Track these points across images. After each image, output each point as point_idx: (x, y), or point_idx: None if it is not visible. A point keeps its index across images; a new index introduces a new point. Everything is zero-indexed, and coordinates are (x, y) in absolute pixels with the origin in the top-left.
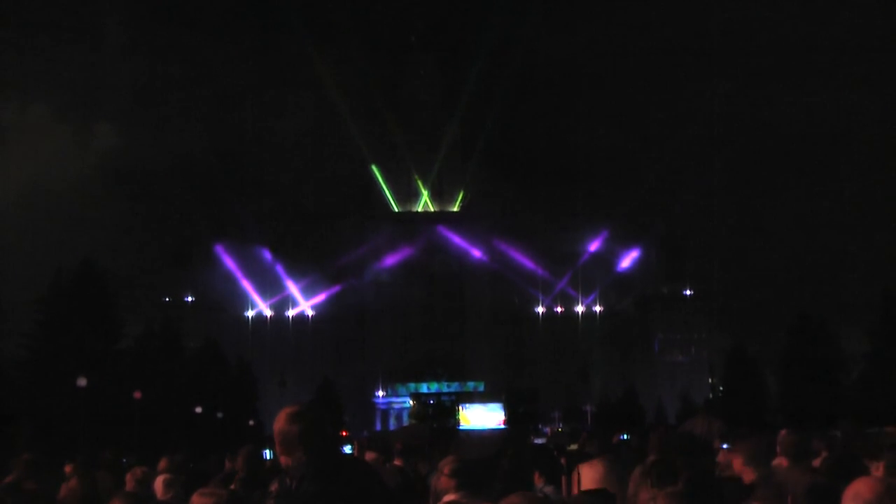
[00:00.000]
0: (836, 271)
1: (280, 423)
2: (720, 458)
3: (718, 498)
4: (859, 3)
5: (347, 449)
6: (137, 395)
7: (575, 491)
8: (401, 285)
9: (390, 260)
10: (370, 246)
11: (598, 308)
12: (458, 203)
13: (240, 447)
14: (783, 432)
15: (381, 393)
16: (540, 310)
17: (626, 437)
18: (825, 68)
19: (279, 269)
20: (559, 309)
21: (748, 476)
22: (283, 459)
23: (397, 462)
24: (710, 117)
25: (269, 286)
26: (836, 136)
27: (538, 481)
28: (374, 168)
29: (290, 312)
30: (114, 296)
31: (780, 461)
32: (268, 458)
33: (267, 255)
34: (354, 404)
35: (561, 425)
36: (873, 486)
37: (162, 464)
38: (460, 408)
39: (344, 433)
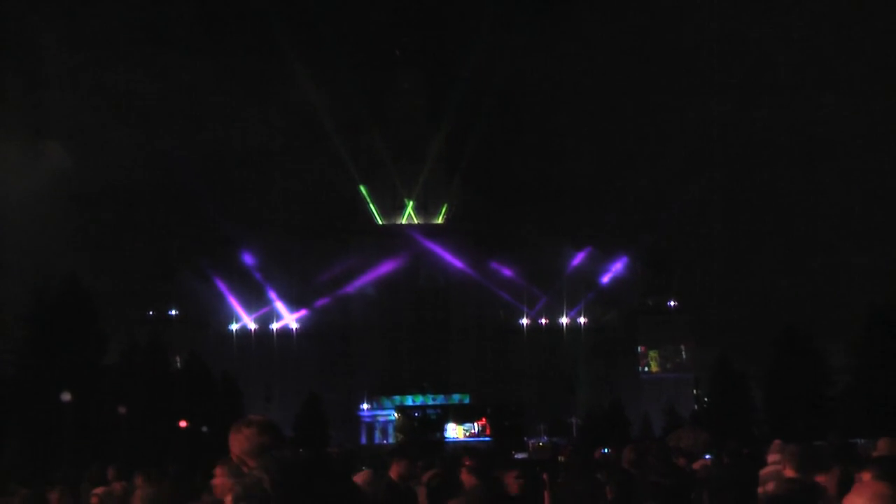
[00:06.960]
0: (821, 284)
1: (244, 436)
2: (696, 465)
3: None
4: (837, 16)
5: None
6: (123, 409)
7: None
8: (385, 298)
9: (375, 273)
10: (354, 259)
11: (583, 320)
12: (442, 216)
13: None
14: (776, 442)
15: (365, 406)
16: (525, 322)
17: (606, 451)
18: (810, 82)
19: (263, 282)
20: (544, 321)
21: None
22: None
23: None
24: (696, 130)
25: (254, 300)
26: (823, 151)
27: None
28: (359, 182)
29: (275, 326)
30: (98, 310)
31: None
32: None
33: (251, 268)
34: (340, 418)
35: (545, 439)
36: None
37: (139, 479)
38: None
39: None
